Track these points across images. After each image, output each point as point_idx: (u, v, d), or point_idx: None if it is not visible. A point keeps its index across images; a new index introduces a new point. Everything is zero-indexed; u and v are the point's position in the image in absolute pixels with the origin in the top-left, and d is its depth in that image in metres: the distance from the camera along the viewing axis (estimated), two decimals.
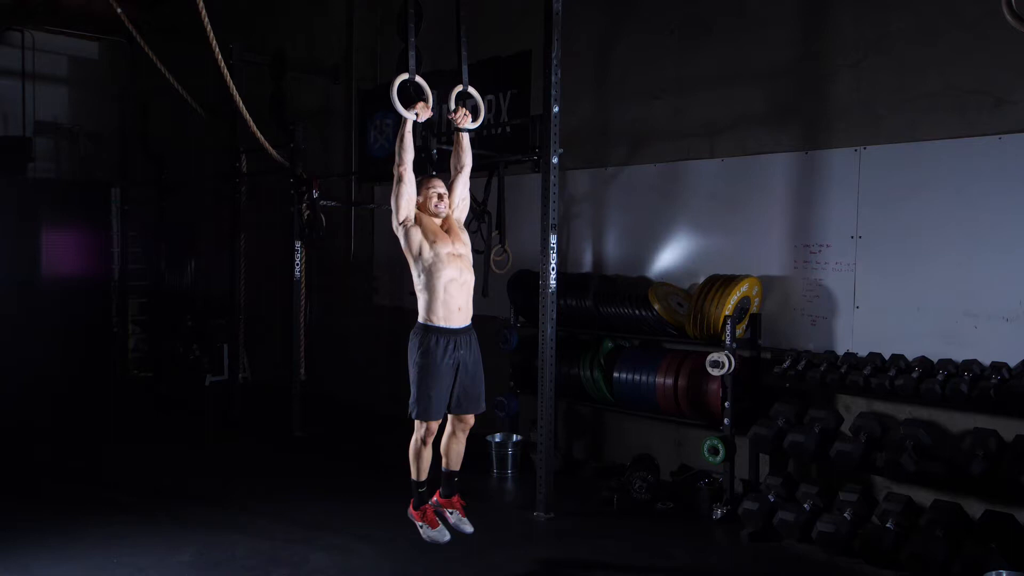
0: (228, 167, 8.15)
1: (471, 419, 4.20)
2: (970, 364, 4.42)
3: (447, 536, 4.17)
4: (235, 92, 6.07)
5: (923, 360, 4.60)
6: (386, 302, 8.19)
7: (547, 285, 5.16)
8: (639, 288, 5.78)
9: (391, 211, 4.04)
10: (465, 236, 4.15)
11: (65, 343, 9.80)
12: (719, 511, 5.06)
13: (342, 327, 8.58)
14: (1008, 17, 3.16)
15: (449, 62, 4.96)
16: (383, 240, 8.21)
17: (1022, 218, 4.40)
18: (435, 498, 4.28)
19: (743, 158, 5.53)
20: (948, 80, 4.67)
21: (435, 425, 4.07)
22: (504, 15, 6.82)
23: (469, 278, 4.06)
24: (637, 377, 5.64)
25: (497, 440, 6.18)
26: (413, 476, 4.18)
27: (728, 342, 5.05)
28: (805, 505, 4.59)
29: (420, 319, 4.06)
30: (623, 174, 6.22)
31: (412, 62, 4.22)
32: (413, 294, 6.78)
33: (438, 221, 4.07)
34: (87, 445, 7.09)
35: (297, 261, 7.24)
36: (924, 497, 4.43)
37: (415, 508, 4.22)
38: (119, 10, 7.08)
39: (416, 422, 4.08)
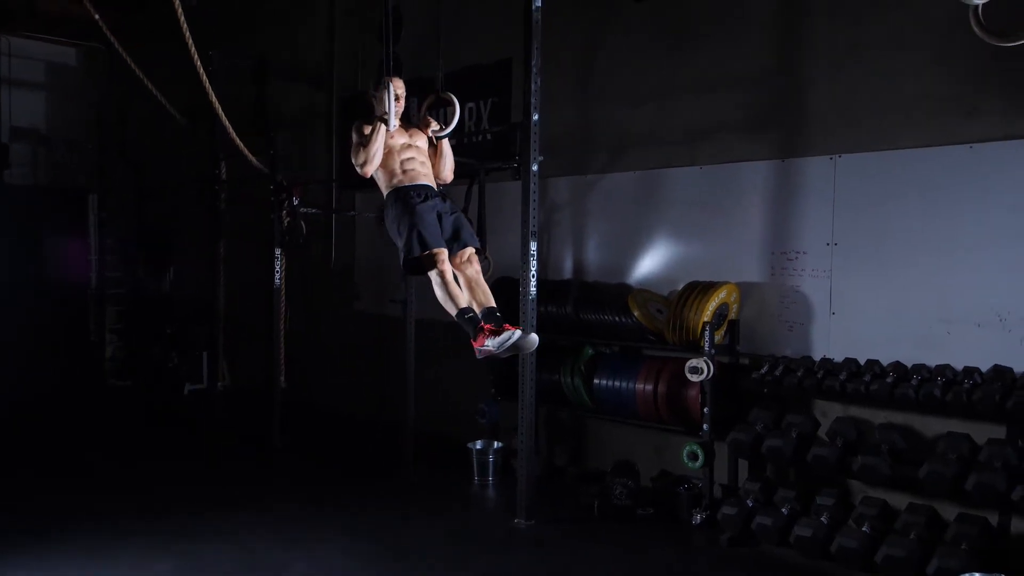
0: (208, 173, 8.11)
1: (472, 254, 4.07)
2: (943, 369, 4.50)
3: (517, 333, 3.77)
4: (214, 99, 6.05)
5: (897, 365, 4.66)
6: (367, 309, 8.17)
7: (527, 292, 5.18)
8: (619, 295, 5.81)
9: (355, 159, 4.14)
10: (422, 138, 4.27)
11: (42, 352, 9.70)
12: (699, 516, 5.09)
13: (323, 334, 8.55)
14: (975, 28, 3.23)
15: (430, 70, 5.01)
16: (364, 247, 8.20)
17: (993, 226, 4.49)
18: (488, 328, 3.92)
19: (722, 166, 5.59)
20: (920, 90, 4.75)
21: (442, 254, 3.91)
22: (485, 23, 6.86)
23: (428, 164, 4.22)
24: (617, 383, 5.67)
25: (478, 447, 6.18)
26: (454, 311, 3.93)
27: (707, 348, 5.09)
28: (783, 509, 4.64)
29: (386, 191, 4.15)
30: (603, 181, 6.27)
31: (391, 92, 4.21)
32: (395, 301, 6.78)
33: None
34: (65, 455, 7.02)
35: (277, 268, 7.21)
36: (899, 500, 4.48)
37: (474, 339, 3.90)
38: (97, 16, 7.03)
39: (430, 273, 3.92)
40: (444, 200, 4.17)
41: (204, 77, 5.76)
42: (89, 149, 10.60)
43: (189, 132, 8.70)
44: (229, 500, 5.64)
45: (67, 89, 10.62)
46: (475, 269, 4.06)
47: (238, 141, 6.61)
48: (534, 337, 3.85)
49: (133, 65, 7.60)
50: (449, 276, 3.91)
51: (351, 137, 4.13)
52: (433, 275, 3.91)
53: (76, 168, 10.55)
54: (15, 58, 10.03)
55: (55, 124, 10.50)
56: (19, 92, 10.12)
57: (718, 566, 4.65)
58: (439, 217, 4.03)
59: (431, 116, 4.42)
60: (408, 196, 4.04)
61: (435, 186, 4.20)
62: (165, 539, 4.86)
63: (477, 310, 3.94)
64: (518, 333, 3.75)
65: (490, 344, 3.79)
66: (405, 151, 4.17)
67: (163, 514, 5.31)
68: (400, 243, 3.98)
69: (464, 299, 3.93)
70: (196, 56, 5.52)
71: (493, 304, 3.97)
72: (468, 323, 3.89)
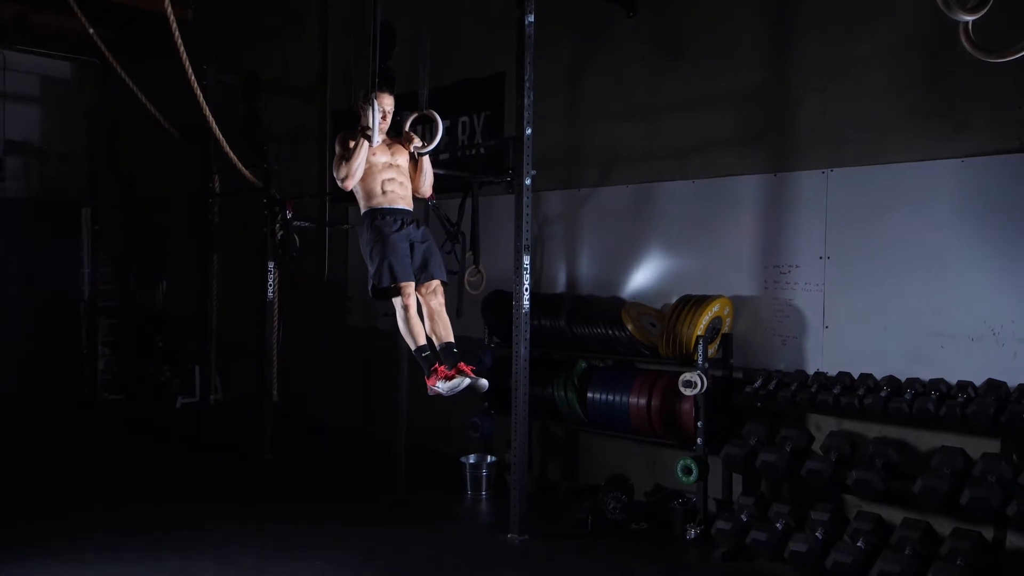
0: (201, 187, 8.10)
1: (438, 286, 4.17)
2: (937, 383, 4.49)
3: (466, 380, 3.95)
4: (208, 113, 6.04)
5: (891, 379, 4.66)
6: (359, 323, 8.15)
7: (520, 306, 5.17)
8: (612, 308, 5.80)
9: (336, 174, 4.14)
10: (404, 156, 4.26)
11: (34, 365, 9.64)
12: (693, 531, 5.07)
13: (315, 348, 8.51)
14: (966, 44, 3.24)
15: (423, 85, 5.02)
16: (357, 261, 8.16)
17: (984, 239, 4.50)
18: (441, 371, 4.07)
19: (714, 180, 5.60)
20: (911, 105, 4.77)
21: (408, 288, 4.02)
22: (478, 37, 6.88)
23: (407, 185, 4.23)
24: (610, 397, 5.65)
25: (471, 461, 6.15)
26: (412, 347, 4.08)
27: (700, 362, 5.08)
28: (777, 524, 4.61)
29: (363, 209, 4.16)
30: (596, 195, 6.27)
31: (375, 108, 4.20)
32: (387, 315, 6.78)
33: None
34: (56, 468, 6.95)
35: (270, 282, 7.19)
36: (894, 515, 4.47)
37: (427, 377, 4.05)
38: (91, 30, 7.04)
39: (395, 304, 4.03)
40: (418, 227, 4.23)
41: (198, 91, 5.76)
42: (83, 162, 10.58)
43: (182, 146, 8.69)
44: (218, 514, 5.59)
45: (61, 102, 10.62)
46: (439, 301, 4.17)
47: (231, 154, 6.61)
48: (484, 383, 4.01)
49: (127, 79, 7.61)
50: (413, 311, 4.03)
51: (335, 148, 4.16)
52: (398, 306, 4.03)
53: (70, 181, 10.52)
54: (9, 71, 10.03)
55: (49, 137, 10.49)
56: (13, 105, 10.12)
57: None
58: (411, 247, 4.11)
59: (414, 132, 4.42)
60: (383, 222, 4.08)
61: (411, 208, 4.24)
62: (153, 556, 4.80)
63: (436, 343, 4.07)
64: (468, 381, 3.93)
65: (440, 387, 3.98)
66: (386, 171, 4.18)
67: (150, 528, 5.26)
68: (371, 269, 4.06)
69: (423, 336, 4.05)
70: (190, 70, 5.53)
71: (451, 339, 4.10)
72: (424, 361, 4.05)
